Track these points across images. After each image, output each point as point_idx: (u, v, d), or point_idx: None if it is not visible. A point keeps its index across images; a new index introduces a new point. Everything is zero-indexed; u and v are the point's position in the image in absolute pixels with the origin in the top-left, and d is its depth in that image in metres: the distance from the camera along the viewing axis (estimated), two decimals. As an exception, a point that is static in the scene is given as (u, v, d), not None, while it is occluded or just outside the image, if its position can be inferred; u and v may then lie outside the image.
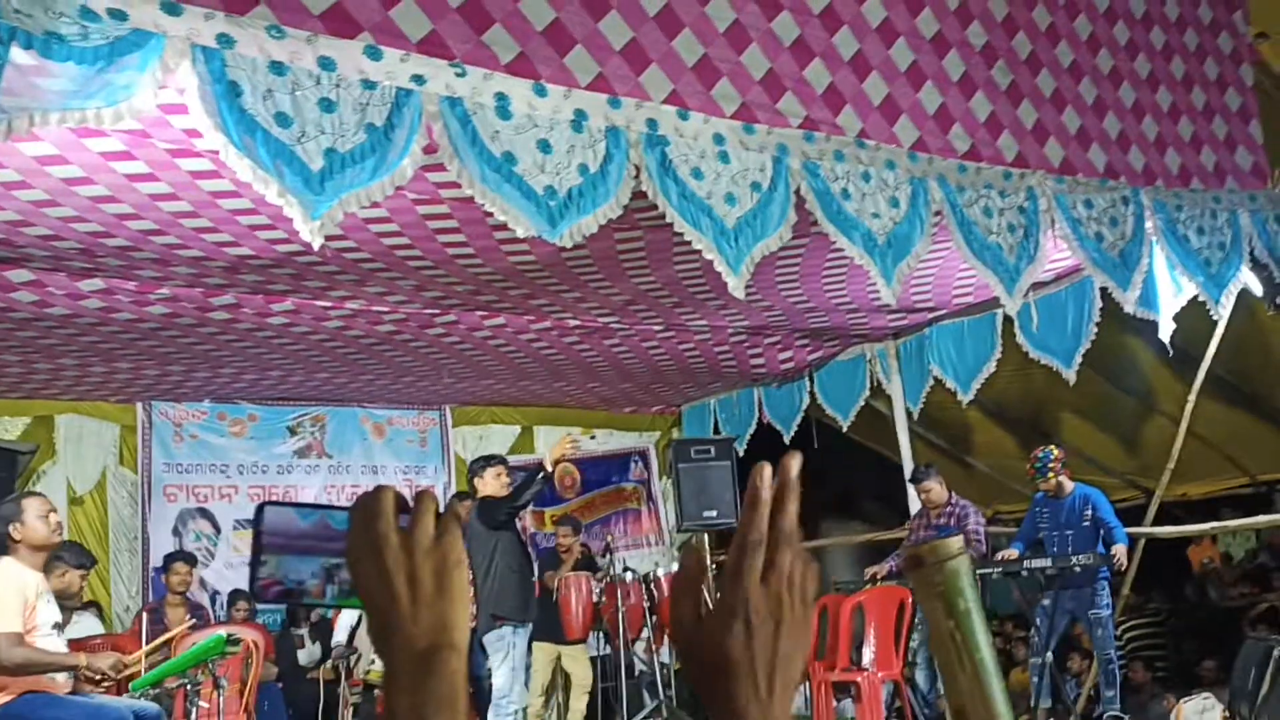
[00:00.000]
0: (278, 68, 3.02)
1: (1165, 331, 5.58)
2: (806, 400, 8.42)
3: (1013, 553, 6.24)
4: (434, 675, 0.76)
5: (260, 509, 0.85)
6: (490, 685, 7.11)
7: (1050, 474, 6.20)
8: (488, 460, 6.30)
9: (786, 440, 8.65)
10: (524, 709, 5.75)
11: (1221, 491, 9.19)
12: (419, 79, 3.24)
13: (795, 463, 0.85)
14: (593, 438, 9.08)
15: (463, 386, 8.31)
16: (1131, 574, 6.86)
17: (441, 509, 0.83)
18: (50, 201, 4.09)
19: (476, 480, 6.14)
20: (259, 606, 7.71)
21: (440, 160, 3.33)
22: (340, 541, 0.83)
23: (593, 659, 7.28)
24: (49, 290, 5.17)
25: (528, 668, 5.78)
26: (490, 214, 4.05)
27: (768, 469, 0.85)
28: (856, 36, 4.13)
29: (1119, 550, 5.85)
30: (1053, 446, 6.49)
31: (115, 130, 3.52)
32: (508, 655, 5.56)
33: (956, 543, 0.99)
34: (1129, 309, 4.95)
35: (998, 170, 4.52)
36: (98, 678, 4.34)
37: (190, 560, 6.76)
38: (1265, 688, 4.96)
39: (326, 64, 3.08)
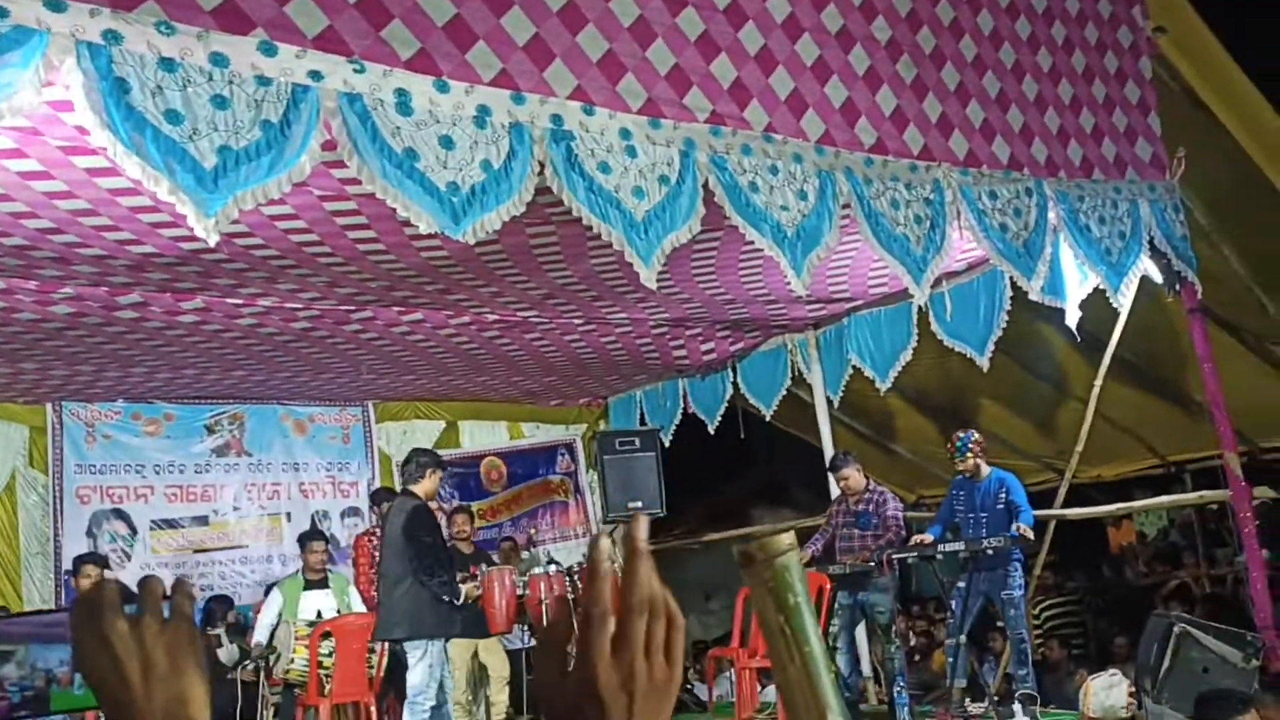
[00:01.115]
0: (168, 64, 2.96)
1: (1071, 318, 5.72)
2: (730, 390, 8.50)
3: (927, 537, 6.35)
4: None
5: None
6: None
7: (969, 455, 6.33)
8: (436, 461, 5.93)
9: (711, 430, 8.71)
10: (443, 705, 5.64)
11: (1134, 473, 9.46)
12: (316, 75, 3.20)
13: (642, 529, 0.83)
14: None
15: (385, 383, 8.24)
16: (1043, 555, 7.04)
17: (168, 591, 0.84)
18: (-60, 200, 3.98)
19: (416, 481, 5.80)
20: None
21: (340, 157, 3.30)
22: None
23: (515, 651, 7.27)
24: (-54, 291, 5.03)
25: (444, 664, 5.67)
26: (395, 210, 4.04)
27: (605, 541, 0.84)
28: (761, 32, 4.16)
29: (1023, 529, 5.99)
30: (973, 430, 6.62)
31: (4, 128, 3.43)
32: (425, 654, 5.49)
33: (787, 539, 1.01)
34: (1034, 297, 5.07)
35: (904, 163, 4.60)
36: None
37: (100, 561, 6.62)
38: (1167, 662, 5.12)
39: (219, 60, 3.03)
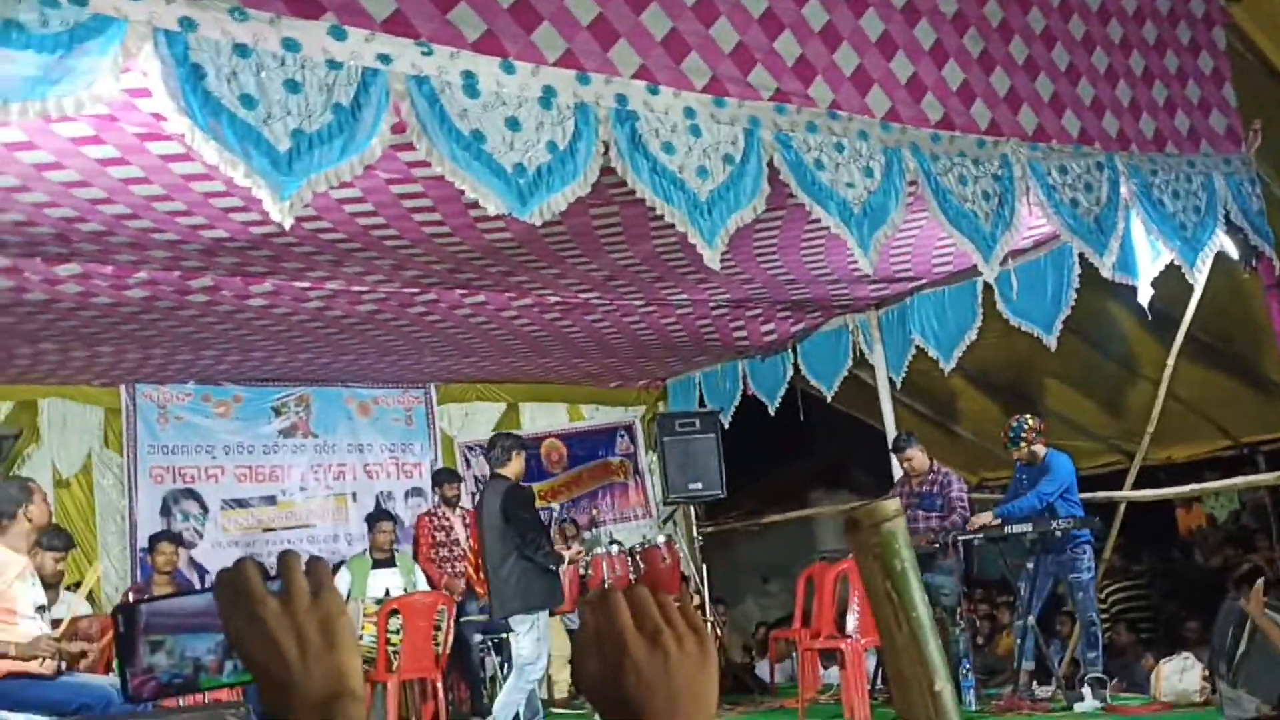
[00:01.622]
0: (242, 50, 3.01)
1: (1144, 296, 5.61)
2: (791, 372, 8.46)
3: (986, 518, 6.28)
4: None
5: (130, 610, 0.86)
6: (482, 659, 7.22)
7: (1023, 444, 6.24)
8: (519, 444, 6.12)
9: (771, 412, 8.68)
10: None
11: (1205, 455, 9.25)
12: (385, 58, 3.23)
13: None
14: None
15: (447, 364, 8.32)
16: (1112, 538, 6.93)
17: (303, 566, 0.84)
18: (21, 188, 4.08)
19: (503, 464, 5.99)
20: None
21: (409, 139, 3.33)
22: None
23: (575, 632, 7.34)
24: (26, 276, 5.16)
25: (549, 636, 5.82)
26: (464, 192, 4.08)
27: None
28: (826, 7, 4.12)
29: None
30: (1027, 416, 6.50)
31: (83, 114, 3.51)
32: (533, 625, 5.66)
33: (893, 505, 1.01)
34: (1106, 274, 4.98)
35: (971, 139, 4.53)
36: (82, 656, 4.39)
37: (175, 539, 6.79)
38: (1242, 647, 5.01)
39: (291, 45, 3.07)
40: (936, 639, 0.98)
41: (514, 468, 5.98)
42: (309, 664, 0.79)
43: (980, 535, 6.20)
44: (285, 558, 0.84)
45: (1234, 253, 5.47)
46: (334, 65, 3.16)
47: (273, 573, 0.84)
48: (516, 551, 5.67)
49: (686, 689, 0.82)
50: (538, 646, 5.66)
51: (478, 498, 6.29)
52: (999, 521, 6.19)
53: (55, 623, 4.69)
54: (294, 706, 0.79)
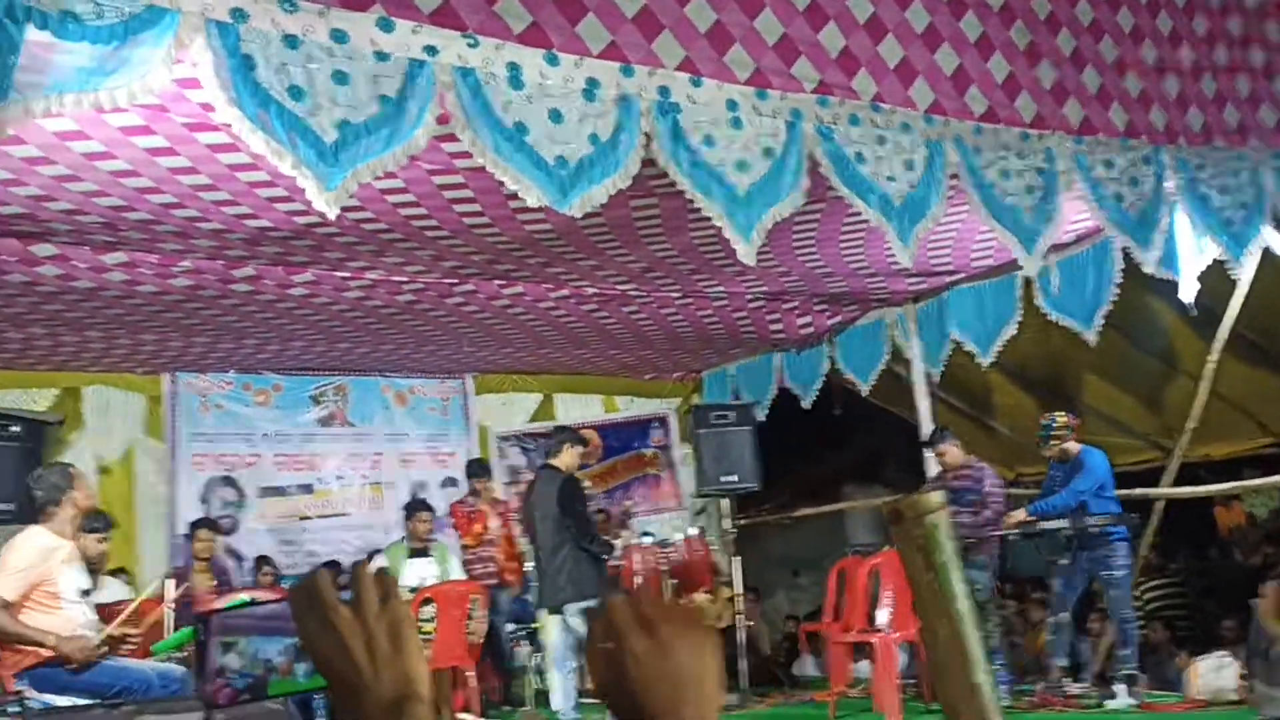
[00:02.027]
0: (291, 41, 3.04)
1: (1187, 292, 5.54)
2: (826, 365, 8.42)
3: (1020, 514, 6.23)
4: None
5: (205, 618, 0.91)
6: (512, 648, 7.28)
7: (1053, 442, 6.18)
8: (575, 438, 6.30)
9: (806, 405, 8.65)
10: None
11: (1244, 452, 9.12)
12: (431, 50, 3.25)
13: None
14: None
15: (484, 355, 8.36)
16: (1149, 536, 6.86)
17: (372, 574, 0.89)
18: (72, 176, 4.14)
19: (556, 455, 6.15)
20: (284, 573, 7.84)
21: (453, 130, 3.35)
22: None
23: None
24: (73, 264, 5.24)
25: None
26: (504, 183, 4.09)
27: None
28: (871, -1, 4.09)
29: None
30: (1058, 414, 6.42)
31: (133, 105, 3.55)
32: (585, 613, 5.77)
33: (937, 498, 1.01)
34: (1149, 269, 4.93)
35: (1015, 132, 4.49)
36: (123, 641, 4.45)
37: (215, 527, 6.87)
38: (1278, 646, 4.97)
39: (339, 36, 3.10)
40: (978, 631, 0.98)
41: (566, 459, 6.11)
42: (378, 668, 0.84)
43: (1016, 531, 6.15)
44: (355, 568, 0.89)
45: (1280, 249, 5.39)
46: (381, 57, 3.19)
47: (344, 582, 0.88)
48: (571, 542, 5.80)
49: (688, 677, 0.86)
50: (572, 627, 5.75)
51: (528, 488, 6.36)
52: (1033, 518, 6.14)
53: (98, 607, 4.75)
54: (364, 708, 0.83)
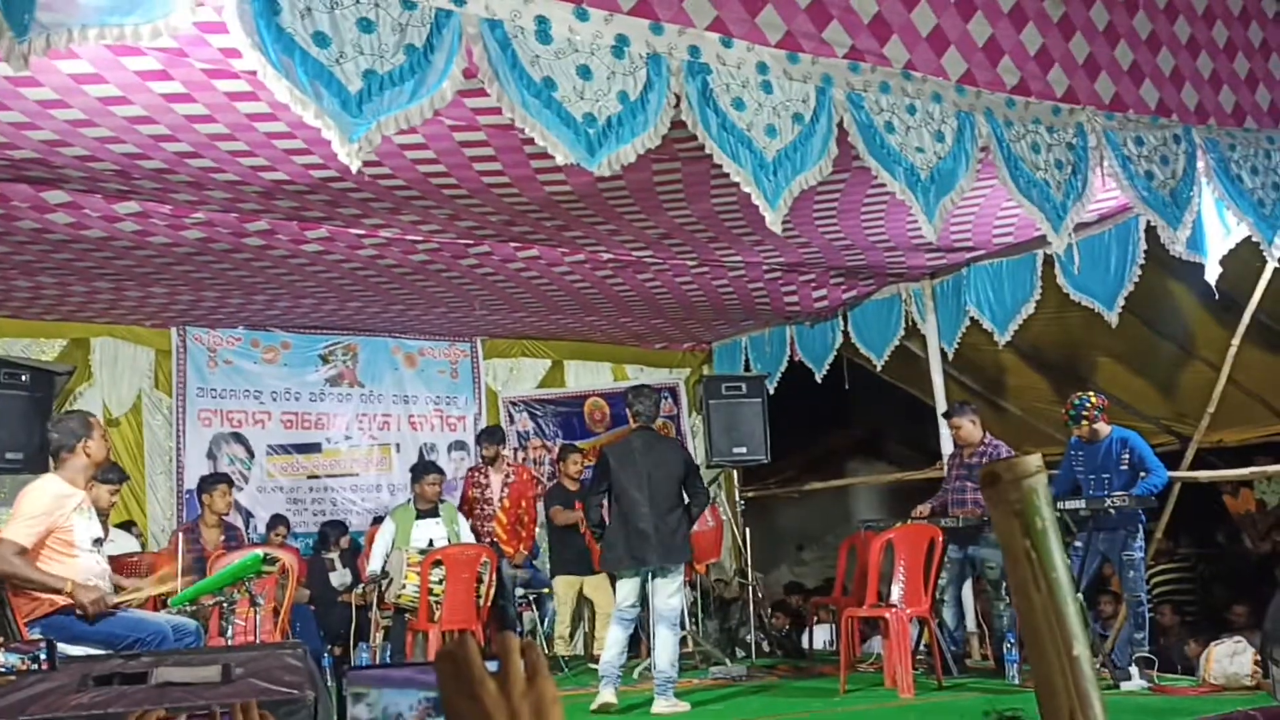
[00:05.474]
0: (316, -16, 2.96)
1: (1211, 274, 5.47)
2: (840, 339, 8.36)
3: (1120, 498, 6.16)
4: None
5: (344, 673, 0.95)
6: (520, 614, 7.28)
7: (1085, 421, 6.11)
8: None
9: (818, 379, 8.60)
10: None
11: (1256, 439, 9.07)
12: (458, 0, 3.18)
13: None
14: None
15: (494, 319, 8.30)
16: (1164, 519, 6.82)
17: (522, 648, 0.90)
18: (87, 121, 4.07)
19: (652, 421, 5.99)
20: (294, 531, 7.83)
21: (480, 84, 3.28)
22: (431, 675, 0.89)
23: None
24: (85, 212, 5.17)
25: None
26: (527, 142, 4.02)
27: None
28: (906, -36, 4.00)
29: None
30: (1090, 393, 6.35)
31: (152, 49, 3.49)
32: (678, 576, 5.75)
33: (1035, 460, 0.95)
34: (1178, 249, 4.86)
35: (1047, 105, 4.42)
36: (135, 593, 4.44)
37: (230, 482, 6.83)
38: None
39: (365, -18, 3.02)
40: (1076, 601, 0.93)
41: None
42: None
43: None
44: (503, 639, 0.89)
45: (1310, 233, 5.31)
46: (408, 4, 3.12)
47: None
48: (683, 506, 5.75)
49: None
50: (631, 587, 5.68)
51: (623, 444, 6.00)
52: (1136, 500, 5.88)
53: (109, 559, 4.74)
54: None
